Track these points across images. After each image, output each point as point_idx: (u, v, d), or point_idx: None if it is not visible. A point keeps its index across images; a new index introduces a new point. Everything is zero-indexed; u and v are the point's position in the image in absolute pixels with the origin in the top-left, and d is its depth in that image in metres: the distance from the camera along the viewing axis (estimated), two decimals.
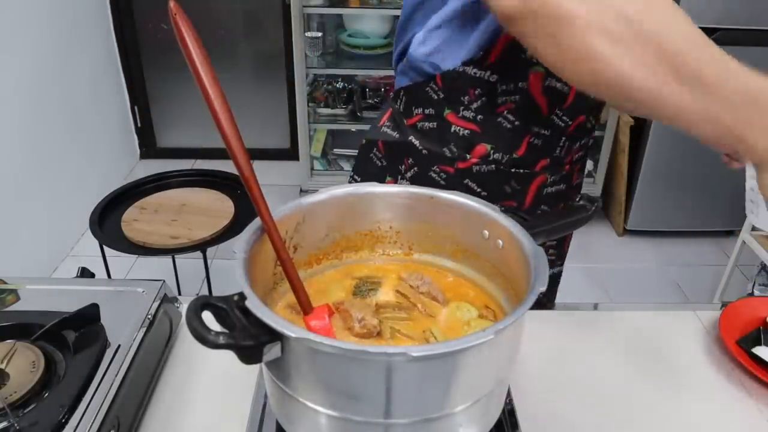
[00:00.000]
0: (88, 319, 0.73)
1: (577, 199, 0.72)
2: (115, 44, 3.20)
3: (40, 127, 2.54)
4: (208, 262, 1.95)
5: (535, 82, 0.85)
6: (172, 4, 0.57)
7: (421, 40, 0.90)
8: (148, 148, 3.54)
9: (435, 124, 0.93)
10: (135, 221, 1.89)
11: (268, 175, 2.81)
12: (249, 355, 0.52)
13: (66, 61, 2.73)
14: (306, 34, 2.81)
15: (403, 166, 0.98)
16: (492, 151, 0.90)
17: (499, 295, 0.71)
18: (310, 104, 3.01)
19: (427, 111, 0.93)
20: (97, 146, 3.04)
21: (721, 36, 2.41)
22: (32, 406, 0.64)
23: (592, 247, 2.86)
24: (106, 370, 0.68)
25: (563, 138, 0.91)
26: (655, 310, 0.97)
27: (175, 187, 2.08)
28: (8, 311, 0.78)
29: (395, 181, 0.99)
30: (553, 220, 0.70)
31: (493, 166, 0.91)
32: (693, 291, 2.63)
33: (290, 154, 3.38)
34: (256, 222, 0.63)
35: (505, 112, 0.87)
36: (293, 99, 3.04)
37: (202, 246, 1.83)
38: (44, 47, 2.56)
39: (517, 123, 0.88)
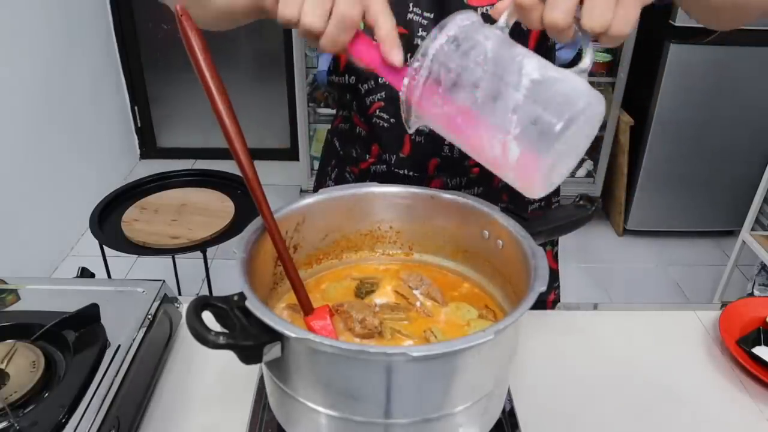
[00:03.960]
0: (88, 319, 0.73)
1: (577, 199, 0.72)
2: (115, 44, 3.20)
3: (40, 127, 2.54)
4: (208, 262, 1.95)
5: None
6: (178, 6, 0.57)
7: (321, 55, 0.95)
8: (148, 148, 3.54)
9: (348, 125, 0.96)
10: (135, 221, 1.89)
11: (268, 175, 2.81)
12: (249, 355, 0.52)
13: (66, 61, 2.73)
14: None
15: (329, 168, 1.02)
16: (381, 151, 0.91)
17: (499, 295, 0.71)
18: (310, 104, 3.00)
19: (344, 113, 0.97)
20: (97, 146, 3.04)
21: (721, 36, 2.41)
22: (32, 406, 0.64)
23: (592, 247, 2.86)
24: (106, 370, 0.68)
25: None
26: (655, 310, 0.97)
27: (175, 187, 2.08)
28: (8, 311, 0.78)
29: (323, 185, 1.03)
30: (553, 220, 0.70)
31: (385, 166, 0.91)
32: (693, 291, 2.62)
33: (290, 154, 3.38)
34: (256, 222, 0.63)
35: (378, 112, 0.87)
36: (293, 99, 3.04)
37: (202, 246, 1.83)
38: (44, 47, 2.56)
39: (392, 120, 0.87)
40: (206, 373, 0.81)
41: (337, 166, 1.01)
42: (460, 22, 0.53)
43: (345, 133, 0.97)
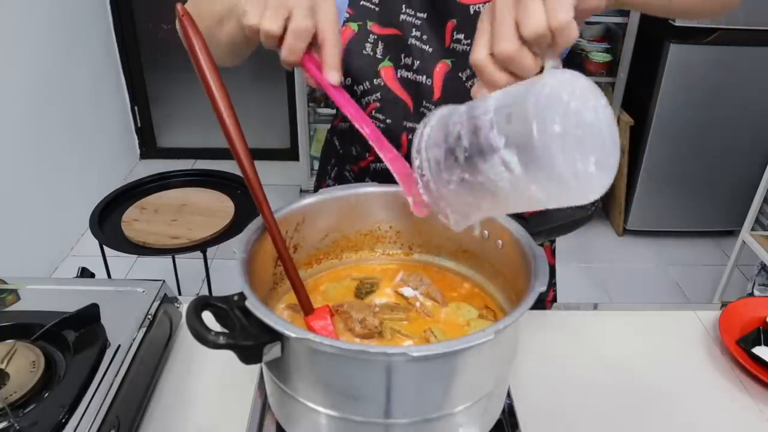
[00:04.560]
0: (88, 319, 0.73)
1: None
2: (115, 44, 3.20)
3: (40, 127, 2.54)
4: (208, 262, 1.95)
5: (388, 76, 0.86)
6: (179, 6, 0.57)
7: None
8: (148, 148, 3.54)
9: (347, 124, 0.96)
10: (135, 221, 1.89)
11: (268, 175, 2.81)
12: (249, 355, 0.52)
13: (66, 61, 2.73)
14: None
15: (329, 167, 1.03)
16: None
17: (499, 295, 0.71)
18: (310, 104, 3.01)
19: (343, 113, 0.97)
20: (97, 146, 3.04)
21: (720, 36, 2.41)
22: (32, 406, 0.64)
23: (592, 247, 2.86)
24: (106, 370, 0.68)
25: None
26: (655, 310, 0.97)
27: (175, 187, 2.08)
28: (8, 311, 0.78)
29: (323, 185, 1.04)
30: (553, 220, 0.70)
31: (385, 164, 0.92)
32: (693, 291, 2.63)
33: (290, 154, 3.38)
34: (256, 222, 0.63)
35: (374, 113, 0.88)
36: (293, 99, 3.04)
37: (202, 246, 1.83)
38: (44, 47, 2.56)
39: (388, 121, 0.88)
40: (206, 373, 0.81)
41: (336, 165, 1.01)
42: (438, 113, 0.56)
43: (344, 132, 0.98)
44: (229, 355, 0.51)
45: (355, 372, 0.52)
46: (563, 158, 0.46)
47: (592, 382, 0.81)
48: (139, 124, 3.45)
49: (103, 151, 3.12)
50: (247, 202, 1.93)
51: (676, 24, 2.43)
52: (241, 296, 0.53)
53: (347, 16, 0.84)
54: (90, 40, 2.98)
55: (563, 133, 0.46)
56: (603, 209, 3.09)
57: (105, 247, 1.86)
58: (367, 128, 0.64)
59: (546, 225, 0.68)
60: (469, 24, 0.83)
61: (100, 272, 1.86)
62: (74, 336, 0.72)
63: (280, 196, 2.83)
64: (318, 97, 3.10)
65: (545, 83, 0.47)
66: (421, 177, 0.56)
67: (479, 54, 0.54)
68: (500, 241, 0.68)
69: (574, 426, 0.75)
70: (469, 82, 0.85)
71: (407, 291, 0.72)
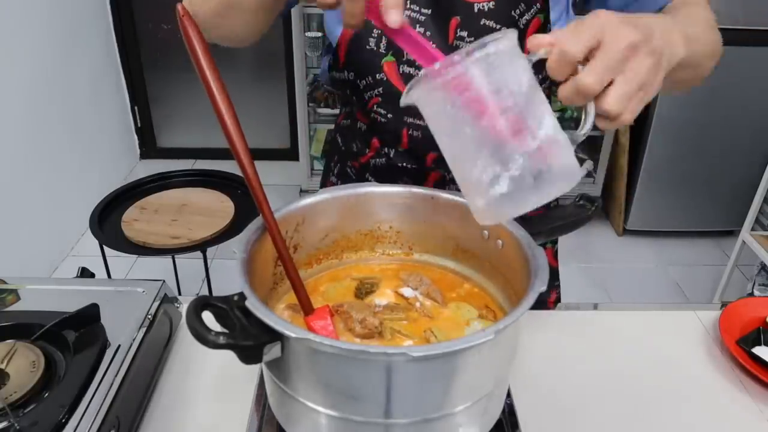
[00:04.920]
0: (88, 319, 0.73)
1: (577, 199, 0.72)
2: (115, 44, 3.20)
3: (40, 127, 2.54)
4: (208, 262, 1.95)
5: (391, 71, 0.86)
6: (179, 6, 0.57)
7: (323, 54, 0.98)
8: (148, 148, 3.54)
9: (350, 121, 0.97)
10: (135, 221, 1.89)
11: (268, 175, 2.81)
12: (249, 355, 0.52)
13: (66, 61, 2.73)
14: (306, 34, 2.81)
15: (332, 163, 1.04)
16: (381, 144, 0.92)
17: (499, 295, 0.71)
18: (310, 104, 3.00)
19: (346, 109, 0.99)
20: (97, 146, 3.04)
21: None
22: (32, 406, 0.64)
23: (592, 247, 2.86)
24: (106, 370, 0.68)
25: None
26: (655, 310, 0.97)
27: (175, 187, 2.08)
28: (8, 311, 0.78)
29: (328, 183, 1.05)
30: (553, 220, 0.70)
31: (384, 159, 0.93)
32: (693, 291, 2.62)
33: (290, 154, 3.38)
34: (256, 222, 0.63)
35: (375, 107, 0.89)
36: (293, 99, 3.03)
37: (202, 246, 1.83)
38: (44, 47, 2.56)
39: (390, 116, 0.88)
40: (206, 373, 0.81)
41: (339, 162, 1.02)
42: (507, 41, 0.52)
43: (347, 128, 0.99)
44: (229, 355, 0.51)
45: (355, 372, 0.52)
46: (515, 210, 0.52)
47: (592, 382, 0.81)
48: (139, 124, 3.45)
49: (103, 151, 3.12)
50: (247, 202, 1.93)
51: None
52: (241, 296, 0.53)
53: None
54: (90, 40, 2.98)
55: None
56: (603, 209, 3.09)
57: (105, 247, 1.86)
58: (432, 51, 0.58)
59: (546, 225, 0.68)
60: (472, 22, 0.83)
61: (100, 272, 1.86)
62: (74, 336, 0.72)
63: (280, 196, 2.83)
64: (318, 96, 3.10)
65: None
66: (444, 67, 0.52)
67: (589, 78, 0.51)
68: (500, 241, 0.68)
69: (574, 426, 0.75)
70: None
71: (407, 291, 0.72)
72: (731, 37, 2.75)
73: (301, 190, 3.13)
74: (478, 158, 0.51)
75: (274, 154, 3.45)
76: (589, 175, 2.98)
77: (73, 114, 2.78)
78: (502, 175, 0.50)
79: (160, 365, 0.80)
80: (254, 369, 0.77)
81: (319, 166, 3.18)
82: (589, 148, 3.04)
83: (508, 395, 0.74)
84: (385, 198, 0.74)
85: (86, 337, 0.72)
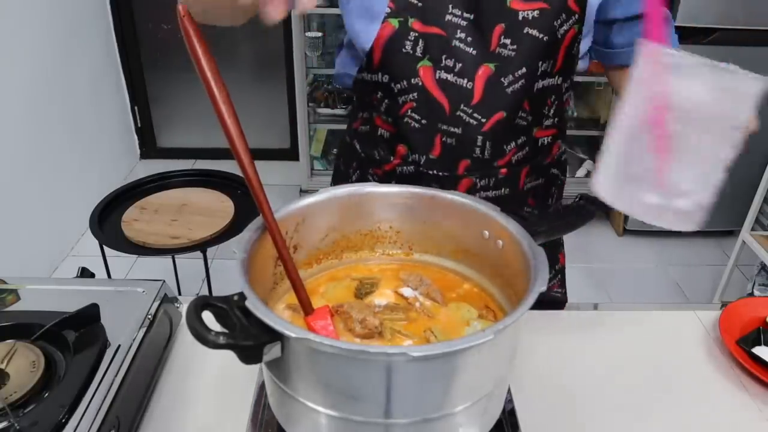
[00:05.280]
0: (88, 319, 0.73)
1: (577, 199, 0.72)
2: (115, 44, 3.20)
3: (40, 127, 2.54)
4: (208, 262, 1.95)
5: (427, 76, 0.85)
6: (180, 6, 0.57)
7: (337, 60, 0.97)
8: (148, 148, 3.53)
9: (368, 127, 0.96)
10: (135, 221, 1.89)
11: (268, 175, 2.80)
12: (249, 355, 0.52)
13: (66, 61, 2.73)
14: (306, 34, 2.81)
15: (350, 169, 1.02)
16: (409, 152, 0.90)
17: (499, 295, 0.71)
18: (310, 104, 3.00)
19: (365, 115, 0.96)
20: (97, 146, 3.04)
21: (720, 36, 2.41)
22: (32, 406, 0.64)
23: (592, 247, 2.86)
24: (106, 370, 0.68)
25: (480, 137, 0.87)
26: (655, 310, 0.97)
27: (175, 187, 2.08)
28: (8, 311, 0.78)
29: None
30: (553, 220, 0.70)
31: (413, 167, 0.91)
32: (693, 291, 2.62)
33: (290, 154, 3.38)
34: (256, 222, 0.63)
35: (409, 112, 0.87)
36: (293, 99, 3.03)
37: (202, 246, 1.83)
38: (44, 47, 2.56)
39: (424, 122, 0.87)
40: (206, 373, 0.81)
41: (359, 168, 1.00)
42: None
43: (367, 135, 0.97)
44: (229, 355, 0.51)
45: (355, 372, 0.52)
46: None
47: (593, 382, 0.81)
48: (139, 124, 3.45)
49: (103, 151, 3.12)
50: (247, 202, 1.93)
51: (676, 24, 2.43)
52: (241, 296, 0.53)
53: (388, 11, 0.83)
54: (90, 40, 2.98)
55: None
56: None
57: (105, 247, 1.86)
58: None
59: (546, 225, 0.68)
60: (516, 29, 0.82)
61: (100, 272, 1.86)
62: (74, 336, 0.72)
63: (280, 196, 2.82)
64: (318, 96, 3.11)
65: None
66: (659, 53, 0.53)
67: None
68: (500, 241, 0.68)
69: (574, 426, 0.75)
70: (510, 88, 0.84)
71: (407, 291, 0.72)
72: (731, 37, 2.73)
73: (301, 190, 3.13)
74: (694, 167, 0.52)
75: (274, 154, 3.45)
76: (588, 175, 2.98)
77: (73, 114, 2.78)
78: (695, 196, 0.51)
79: (160, 365, 0.80)
80: (254, 369, 0.77)
81: (319, 166, 3.18)
82: (589, 148, 3.05)
83: (508, 395, 0.74)
84: (385, 198, 0.74)
85: (86, 337, 0.72)
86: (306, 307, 0.64)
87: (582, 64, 0.93)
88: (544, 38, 0.83)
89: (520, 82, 0.85)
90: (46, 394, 0.66)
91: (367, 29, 0.85)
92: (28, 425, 0.61)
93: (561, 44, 0.84)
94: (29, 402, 0.65)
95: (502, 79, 0.84)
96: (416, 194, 0.73)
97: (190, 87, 3.33)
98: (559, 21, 0.82)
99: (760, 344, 0.86)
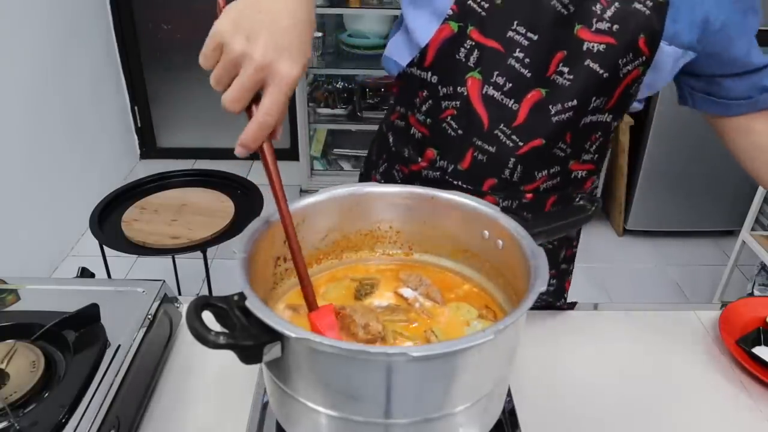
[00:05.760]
0: (88, 319, 0.73)
1: (577, 199, 0.72)
2: (115, 44, 3.20)
3: (41, 127, 2.54)
4: (208, 262, 1.95)
5: (473, 89, 0.83)
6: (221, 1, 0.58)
7: (391, 39, 0.92)
8: (148, 148, 3.54)
9: (403, 123, 0.94)
10: (135, 221, 1.89)
11: None
12: (249, 355, 0.52)
13: (66, 61, 2.73)
14: None
15: (380, 160, 1.01)
16: (438, 157, 0.89)
17: (499, 295, 0.71)
18: (310, 104, 3.01)
19: (401, 110, 0.95)
20: (97, 146, 3.04)
21: None
22: (32, 406, 0.64)
23: (592, 247, 2.86)
24: (106, 370, 0.68)
25: (513, 159, 0.86)
26: (655, 310, 0.97)
27: (175, 187, 2.08)
28: (8, 311, 0.78)
29: (373, 177, 1.03)
30: (553, 220, 0.70)
31: (439, 173, 0.90)
32: (693, 291, 2.63)
33: (290, 154, 3.38)
34: (257, 222, 0.63)
35: (449, 118, 0.86)
36: (293, 99, 3.04)
37: (202, 246, 1.83)
38: (44, 47, 2.56)
39: (460, 132, 0.86)
40: (206, 373, 0.81)
41: (387, 161, 0.99)
42: None
43: (401, 131, 0.95)
44: (229, 355, 0.51)
45: (355, 372, 0.52)
46: None
47: (592, 382, 0.81)
48: (139, 124, 3.45)
49: (103, 151, 3.12)
50: (247, 202, 1.93)
51: None
52: (241, 296, 0.53)
53: (450, 13, 0.80)
54: (90, 40, 2.98)
55: None
56: (603, 209, 3.09)
57: (105, 247, 1.86)
58: None
59: (546, 225, 0.68)
60: (577, 59, 0.79)
61: (100, 272, 1.87)
62: (74, 336, 0.72)
63: None
64: (318, 96, 3.11)
65: None
66: None
67: None
68: (500, 241, 0.68)
69: (574, 426, 0.75)
70: (557, 117, 0.82)
71: (407, 292, 0.71)
72: None
73: (301, 190, 3.13)
74: None
75: None
76: None
77: (73, 114, 2.78)
78: None
79: (160, 365, 0.80)
80: (254, 369, 0.77)
81: (319, 166, 3.19)
82: None
83: (508, 395, 0.74)
84: (385, 198, 0.74)
85: (86, 337, 0.72)
86: (311, 304, 0.63)
87: (637, 105, 0.91)
88: (604, 74, 0.80)
89: (567, 114, 0.82)
90: (46, 394, 0.66)
91: (428, 26, 0.83)
92: (28, 425, 0.61)
93: (620, 83, 0.81)
94: (29, 402, 0.65)
95: (550, 107, 0.82)
96: (416, 194, 0.73)
97: (190, 87, 3.33)
98: (624, 60, 0.79)
99: (760, 344, 0.86)
